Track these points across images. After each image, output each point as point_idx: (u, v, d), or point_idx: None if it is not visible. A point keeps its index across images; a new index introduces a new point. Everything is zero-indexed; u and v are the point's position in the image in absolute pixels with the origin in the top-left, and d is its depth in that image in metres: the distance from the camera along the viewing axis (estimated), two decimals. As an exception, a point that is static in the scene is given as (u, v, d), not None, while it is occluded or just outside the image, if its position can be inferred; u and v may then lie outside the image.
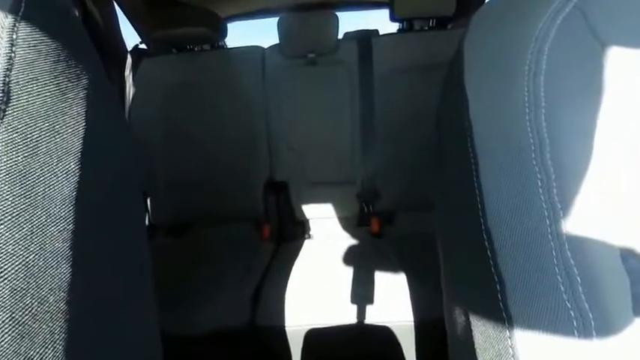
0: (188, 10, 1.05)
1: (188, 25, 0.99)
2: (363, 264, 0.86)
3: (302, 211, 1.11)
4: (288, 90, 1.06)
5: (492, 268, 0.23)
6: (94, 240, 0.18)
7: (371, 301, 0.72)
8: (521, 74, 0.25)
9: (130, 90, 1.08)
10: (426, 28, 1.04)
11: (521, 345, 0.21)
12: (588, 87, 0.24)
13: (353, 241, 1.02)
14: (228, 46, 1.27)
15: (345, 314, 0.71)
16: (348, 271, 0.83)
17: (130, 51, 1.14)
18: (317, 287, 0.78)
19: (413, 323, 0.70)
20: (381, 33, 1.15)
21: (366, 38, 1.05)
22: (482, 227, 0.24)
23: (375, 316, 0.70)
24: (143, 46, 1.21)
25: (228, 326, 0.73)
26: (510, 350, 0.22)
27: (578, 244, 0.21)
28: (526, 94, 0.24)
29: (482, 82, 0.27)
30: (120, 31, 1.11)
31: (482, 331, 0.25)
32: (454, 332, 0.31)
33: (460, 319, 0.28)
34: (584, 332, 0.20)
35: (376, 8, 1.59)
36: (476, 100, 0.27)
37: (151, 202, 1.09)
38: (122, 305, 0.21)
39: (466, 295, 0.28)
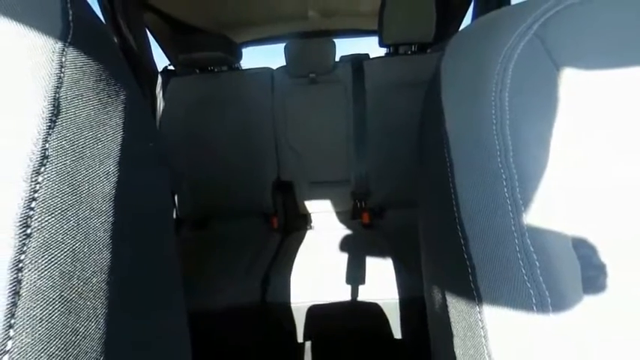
0: (208, 36, 1.05)
1: (208, 49, 0.99)
2: (356, 251, 0.86)
3: (305, 206, 1.11)
4: (293, 104, 1.06)
5: (464, 254, 0.23)
6: (130, 231, 0.18)
7: (363, 281, 0.72)
8: (489, 91, 0.25)
9: (160, 105, 1.08)
10: (409, 52, 1.04)
11: (489, 318, 0.21)
12: (545, 102, 0.24)
13: (348, 232, 1.02)
14: (243, 67, 1.27)
15: (341, 293, 0.71)
16: (344, 257, 0.83)
17: (161, 71, 1.14)
18: (317, 270, 0.78)
19: (398, 300, 0.70)
20: (371, 56, 1.15)
21: (358, 61, 1.05)
22: (457, 220, 0.24)
23: (366, 293, 0.70)
24: (171, 67, 1.21)
25: (242, 304, 0.73)
26: (480, 323, 0.22)
27: (537, 233, 0.21)
28: (493, 107, 0.24)
29: (457, 98, 0.27)
30: (151, 53, 1.11)
31: (456, 306, 0.25)
32: (433, 308, 0.30)
33: (438, 296, 0.28)
34: (542, 308, 0.20)
35: (367, 36, 1.59)
36: (451, 113, 0.27)
37: (178, 200, 1.09)
38: (154, 287, 0.21)
39: (442, 276, 0.28)
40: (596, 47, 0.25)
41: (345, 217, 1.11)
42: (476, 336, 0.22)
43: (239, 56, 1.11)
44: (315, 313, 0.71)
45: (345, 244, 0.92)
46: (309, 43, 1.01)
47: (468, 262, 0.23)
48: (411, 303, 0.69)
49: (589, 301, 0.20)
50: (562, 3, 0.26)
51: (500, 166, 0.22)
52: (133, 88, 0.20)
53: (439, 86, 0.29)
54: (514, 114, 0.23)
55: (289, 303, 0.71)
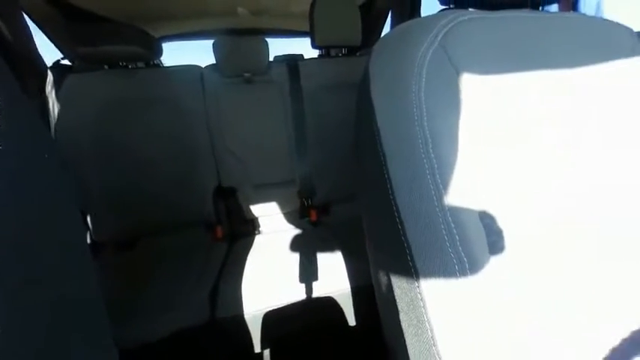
0: (116, 27, 0.89)
1: (118, 42, 0.85)
2: (307, 248, 0.87)
3: (250, 210, 1.06)
4: (229, 105, 1.00)
5: (402, 236, 0.26)
6: (26, 258, 0.14)
7: (316, 277, 0.74)
8: (410, 91, 0.28)
9: (54, 106, 0.87)
10: (340, 54, 1.10)
11: (426, 290, 0.24)
12: (452, 100, 0.29)
13: (297, 231, 1.02)
14: (164, 64, 1.13)
15: (295, 293, 0.71)
16: (295, 256, 0.83)
17: (51, 67, 0.92)
18: (269, 274, 0.76)
19: (350, 290, 0.73)
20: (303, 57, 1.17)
21: (293, 61, 1.05)
22: (393, 206, 0.27)
23: (320, 289, 0.72)
24: (65, 61, 0.99)
25: (190, 325, 0.66)
26: (419, 295, 0.25)
27: (455, 211, 0.25)
28: (414, 106, 0.27)
29: (384, 97, 0.30)
30: (35, 47, 0.89)
31: (399, 285, 0.28)
32: (380, 290, 0.33)
33: (383, 279, 0.31)
34: (462, 273, 0.23)
35: (300, 37, 1.61)
36: (380, 110, 0.30)
37: (91, 220, 0.91)
38: (66, 326, 0.17)
39: (386, 259, 0.31)
40: (484, 56, 0.31)
41: (293, 217, 1.11)
42: (417, 308, 0.25)
43: (158, 51, 0.99)
44: (272, 318, 0.70)
45: (295, 244, 0.92)
46: (242, 41, 0.96)
47: (405, 244, 0.26)
48: (362, 290, 0.74)
49: (494, 259, 0.25)
50: (457, 19, 0.32)
51: (423, 156, 0.25)
52: (11, 88, 0.16)
53: (369, 86, 0.32)
54: (430, 111, 0.27)
55: (243, 314, 0.68)
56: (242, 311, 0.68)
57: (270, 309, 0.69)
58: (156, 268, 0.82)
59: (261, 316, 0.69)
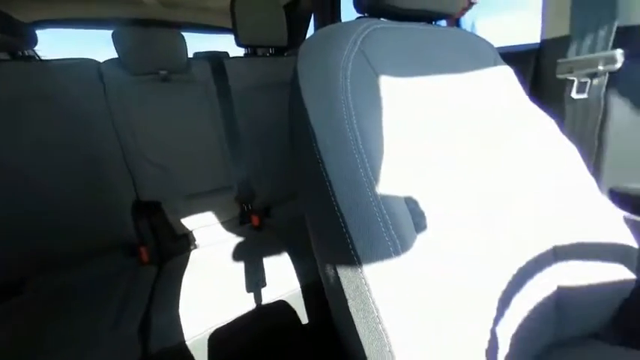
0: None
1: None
2: (251, 255, 0.83)
3: (182, 224, 0.95)
4: (141, 106, 0.86)
5: (343, 228, 0.28)
6: None
7: (264, 283, 0.71)
8: (338, 93, 0.30)
9: None
10: (268, 54, 1.08)
11: (369, 275, 0.27)
12: (374, 101, 0.32)
13: (239, 239, 0.96)
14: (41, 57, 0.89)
15: (243, 304, 0.67)
16: (239, 266, 0.79)
17: None
18: (211, 291, 0.70)
19: (300, 289, 0.74)
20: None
21: (217, 59, 0.98)
22: (333, 200, 0.28)
23: (270, 294, 0.70)
24: None
25: None
26: (363, 280, 0.27)
27: (386, 199, 0.27)
28: (343, 106, 0.29)
29: (315, 97, 0.31)
30: None
31: (344, 274, 0.29)
32: (328, 283, 0.34)
33: (330, 272, 0.32)
34: (397, 253, 0.26)
35: (220, 33, 1.51)
36: (313, 110, 0.31)
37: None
38: None
39: (330, 252, 0.32)
40: (395, 61, 0.35)
41: (232, 224, 1.05)
42: (362, 292, 0.27)
43: (30, 40, 0.78)
44: (219, 337, 0.64)
45: (238, 253, 0.87)
46: (152, 34, 0.84)
47: (346, 234, 0.28)
48: (312, 287, 0.75)
49: (420, 237, 0.29)
50: (372, 26, 0.35)
51: (354, 151, 0.28)
52: None
53: (299, 87, 0.33)
54: (357, 110, 0.29)
55: (184, 341, 0.60)
56: (182, 338, 0.60)
57: (216, 328, 0.64)
58: (61, 310, 0.65)
59: (206, 338, 0.63)
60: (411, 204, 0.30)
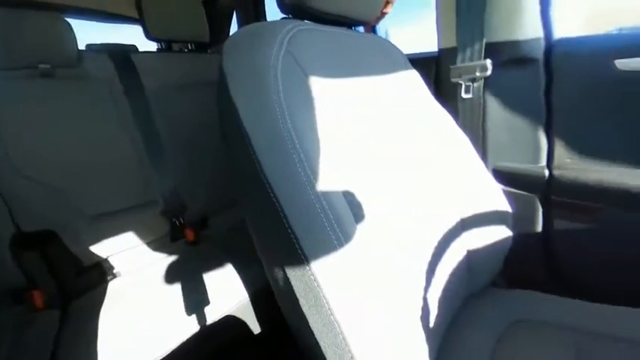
0: None
1: None
2: (189, 274, 0.74)
3: (91, 253, 0.77)
4: (14, 109, 0.67)
5: (288, 228, 0.28)
6: None
7: (207, 302, 0.65)
8: (271, 93, 0.29)
9: None
10: (186, 50, 0.98)
11: (317, 271, 0.27)
12: (306, 101, 0.32)
13: (171, 259, 0.85)
14: None
15: (185, 329, 0.60)
16: (175, 288, 0.70)
17: None
18: (142, 324, 0.60)
19: (249, 298, 0.70)
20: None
21: (120, 53, 0.83)
22: (275, 202, 0.28)
23: (215, 312, 0.64)
24: None
25: None
26: (312, 277, 0.27)
27: (326, 194, 0.28)
28: (277, 105, 0.29)
29: (246, 98, 0.30)
30: None
31: (293, 274, 0.29)
32: (278, 286, 0.34)
33: (279, 274, 0.32)
34: (341, 246, 0.28)
35: (124, 23, 1.29)
36: (245, 112, 0.30)
37: None
38: None
39: (277, 254, 0.32)
40: (323, 63, 0.37)
41: (162, 244, 0.91)
42: (313, 289, 0.28)
43: None
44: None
45: (172, 274, 0.77)
46: (28, 17, 0.66)
47: (292, 234, 0.28)
48: (261, 293, 0.72)
49: (359, 227, 0.31)
50: (298, 27, 0.36)
51: (292, 150, 0.28)
52: None
53: (227, 86, 0.31)
54: (290, 109, 0.29)
55: None
56: None
57: None
58: None
59: None
60: (348, 196, 0.32)
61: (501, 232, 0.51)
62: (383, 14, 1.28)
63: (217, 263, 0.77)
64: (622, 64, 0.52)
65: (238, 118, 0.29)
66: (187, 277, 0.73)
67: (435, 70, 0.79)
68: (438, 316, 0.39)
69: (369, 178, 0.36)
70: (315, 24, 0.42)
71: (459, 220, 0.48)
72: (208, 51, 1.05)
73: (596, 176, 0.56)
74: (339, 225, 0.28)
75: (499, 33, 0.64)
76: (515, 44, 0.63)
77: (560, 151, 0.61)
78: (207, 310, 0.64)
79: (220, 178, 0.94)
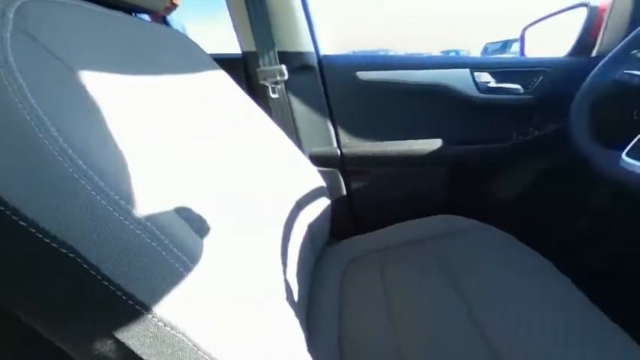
0: None
1: None
2: None
3: None
4: None
5: (105, 281, 0.20)
6: None
7: None
8: (11, 101, 0.18)
9: None
10: None
11: (164, 312, 0.22)
12: (78, 105, 0.23)
13: None
14: None
15: None
16: None
17: None
18: None
19: None
20: None
21: None
22: (68, 254, 0.19)
23: None
24: None
25: None
26: (160, 322, 0.21)
27: (153, 219, 0.23)
28: (27, 115, 0.18)
29: None
30: None
31: (129, 335, 0.22)
32: (106, 356, 0.24)
33: (103, 348, 0.22)
34: (187, 268, 0.24)
35: None
36: None
37: None
38: None
39: (91, 326, 0.22)
40: (95, 53, 0.28)
41: None
42: (165, 334, 0.22)
43: None
44: None
45: None
46: None
47: (115, 289, 0.20)
48: None
49: (206, 242, 0.28)
50: None
51: (76, 175, 0.19)
52: None
53: None
54: (53, 120, 0.20)
55: None
56: None
57: None
58: None
59: None
60: (184, 213, 0.27)
61: (324, 202, 0.65)
62: (173, 5, 1.15)
63: None
64: (361, 75, 0.80)
65: None
66: None
67: (244, 71, 0.84)
68: (300, 291, 0.44)
69: (199, 187, 0.33)
70: None
71: (294, 203, 0.56)
72: None
73: (367, 149, 0.85)
74: (180, 248, 0.24)
75: (286, 44, 0.78)
76: (298, 54, 0.79)
77: (343, 134, 0.86)
78: None
79: None
